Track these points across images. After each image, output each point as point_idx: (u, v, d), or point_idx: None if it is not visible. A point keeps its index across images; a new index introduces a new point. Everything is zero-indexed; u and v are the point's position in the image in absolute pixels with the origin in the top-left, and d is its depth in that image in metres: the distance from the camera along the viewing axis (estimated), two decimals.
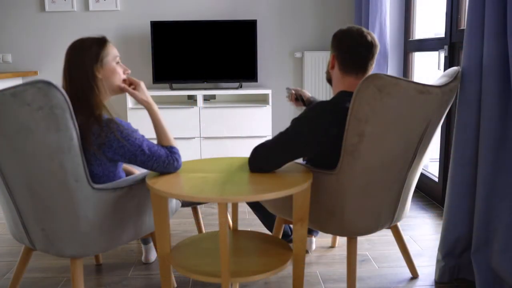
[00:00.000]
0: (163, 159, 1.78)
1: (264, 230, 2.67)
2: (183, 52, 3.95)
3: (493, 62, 1.80)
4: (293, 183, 1.69)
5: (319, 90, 4.07)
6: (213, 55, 3.97)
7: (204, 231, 2.58)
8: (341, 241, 2.58)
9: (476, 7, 1.88)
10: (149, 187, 1.70)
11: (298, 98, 2.41)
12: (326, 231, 1.92)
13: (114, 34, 4.11)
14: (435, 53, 3.13)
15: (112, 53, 1.82)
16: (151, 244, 2.36)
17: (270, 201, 2.06)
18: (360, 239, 2.61)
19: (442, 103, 1.76)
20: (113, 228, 1.81)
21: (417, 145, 1.80)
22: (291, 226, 2.39)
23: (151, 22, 3.90)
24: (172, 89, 4.01)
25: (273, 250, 1.84)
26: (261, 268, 1.70)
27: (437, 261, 2.14)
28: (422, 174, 3.43)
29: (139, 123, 3.74)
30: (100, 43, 1.80)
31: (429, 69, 3.59)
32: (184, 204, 2.26)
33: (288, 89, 2.44)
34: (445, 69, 3.00)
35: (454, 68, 1.95)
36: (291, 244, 2.31)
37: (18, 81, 3.96)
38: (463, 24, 2.85)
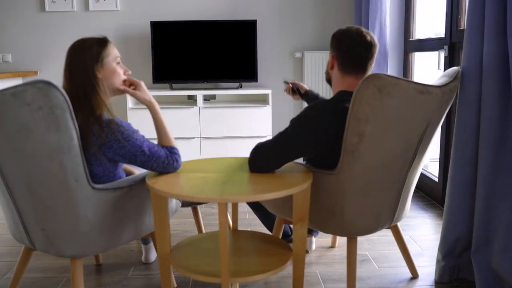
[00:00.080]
0: (163, 159, 1.78)
1: (264, 230, 2.67)
2: (183, 52, 3.95)
3: (493, 62, 1.80)
4: (293, 183, 1.69)
5: (319, 90, 4.07)
6: (213, 55, 3.97)
7: (204, 231, 2.58)
8: (341, 241, 2.58)
9: (476, 7, 1.88)
10: (149, 187, 1.70)
11: (295, 90, 2.41)
12: (326, 231, 1.92)
13: (114, 34, 4.11)
14: (435, 53, 3.13)
15: (113, 53, 1.82)
16: (151, 244, 2.36)
17: (270, 201, 2.06)
18: (360, 239, 2.61)
19: (442, 103, 1.76)
20: (113, 228, 1.81)
21: (417, 145, 1.80)
22: (291, 226, 2.39)
23: (151, 22, 3.90)
24: (172, 89, 4.01)
25: (273, 250, 1.84)
26: (261, 268, 1.70)
27: (437, 261, 2.14)
28: (422, 174, 3.43)
29: (139, 123, 3.74)
30: (101, 43, 1.80)
31: (429, 69, 3.59)
32: (184, 204, 2.26)
33: (285, 81, 2.45)
34: (445, 69, 3.00)
35: (454, 68, 1.95)
36: (291, 244, 2.31)
37: (18, 81, 3.96)
38: (463, 24, 2.85)
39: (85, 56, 1.76)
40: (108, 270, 2.29)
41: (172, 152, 1.82)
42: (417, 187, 3.49)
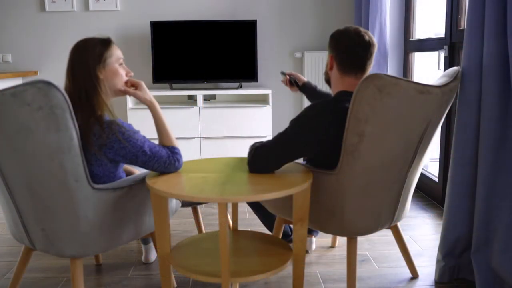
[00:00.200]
0: (164, 159, 1.78)
1: (264, 230, 2.67)
2: (183, 52, 3.95)
3: (493, 62, 1.80)
4: (293, 183, 1.69)
5: None
6: (213, 55, 3.97)
7: (204, 231, 2.58)
8: (341, 241, 2.58)
9: (476, 7, 1.88)
10: (149, 187, 1.70)
11: (292, 82, 2.41)
12: (326, 231, 1.92)
13: (114, 34, 4.11)
14: (435, 53, 3.13)
15: (116, 54, 1.82)
16: (151, 244, 2.36)
17: (270, 201, 2.06)
18: (360, 239, 2.61)
19: (442, 103, 1.76)
20: (113, 228, 1.81)
21: (417, 145, 1.80)
22: (291, 226, 2.39)
23: (151, 22, 3.90)
24: (172, 89, 4.01)
25: (273, 250, 1.84)
26: (261, 268, 1.70)
27: (437, 261, 2.14)
28: (422, 174, 3.43)
29: (139, 123, 3.74)
30: (104, 44, 1.80)
31: (429, 69, 3.59)
32: (184, 204, 2.26)
33: (282, 73, 2.44)
34: (445, 69, 3.00)
35: (454, 68, 1.95)
36: (291, 244, 2.31)
37: (18, 81, 3.96)
38: (463, 24, 2.85)
39: (88, 57, 1.76)
40: (108, 270, 2.29)
41: (173, 152, 1.82)
42: (417, 187, 3.49)
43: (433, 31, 3.49)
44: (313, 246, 2.46)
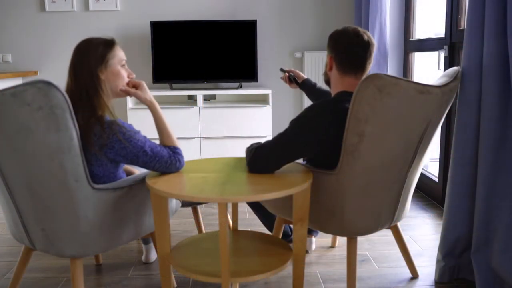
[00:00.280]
0: (166, 159, 1.78)
1: (264, 230, 2.67)
2: (183, 52, 3.95)
3: (493, 62, 1.80)
4: (293, 183, 1.69)
5: None
6: (213, 55, 3.97)
7: (204, 231, 2.58)
8: (341, 241, 2.58)
9: (476, 7, 1.88)
10: (149, 187, 1.70)
11: (291, 79, 2.41)
12: (326, 231, 1.92)
13: (114, 34, 4.10)
14: (435, 53, 3.13)
15: (118, 56, 1.82)
16: (152, 244, 2.36)
17: (270, 201, 2.06)
18: (360, 239, 2.61)
19: (442, 103, 1.76)
20: (113, 228, 1.81)
21: (417, 145, 1.80)
22: (291, 226, 2.39)
23: (151, 22, 3.90)
24: (172, 89, 4.01)
25: (273, 250, 1.84)
26: (261, 268, 1.70)
27: (437, 261, 2.14)
28: (422, 174, 3.43)
29: (140, 123, 3.74)
30: (107, 44, 1.80)
31: (429, 69, 3.59)
32: (184, 204, 2.26)
33: (282, 69, 2.44)
34: (445, 69, 3.00)
35: (454, 68, 1.95)
36: (291, 244, 2.31)
37: (18, 81, 3.96)
38: (463, 24, 2.85)
39: (90, 57, 1.76)
40: (108, 270, 2.29)
41: (175, 152, 1.82)
42: (417, 187, 3.49)
43: (433, 31, 3.49)
44: (313, 246, 2.46)
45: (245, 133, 3.87)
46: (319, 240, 2.58)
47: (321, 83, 2.22)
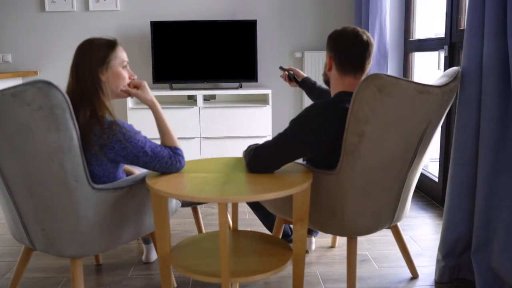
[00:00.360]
0: (166, 159, 1.78)
1: (264, 230, 2.67)
2: (183, 52, 3.95)
3: (493, 62, 1.80)
4: (293, 183, 1.69)
5: None
6: (213, 55, 3.97)
7: (204, 231, 2.58)
8: (341, 241, 2.58)
9: (476, 7, 1.88)
10: (149, 187, 1.70)
11: (291, 77, 2.41)
12: (326, 231, 1.92)
13: (114, 34, 4.10)
14: (435, 53, 3.13)
15: (120, 57, 1.81)
16: (152, 243, 2.36)
17: (270, 201, 2.06)
18: (360, 239, 2.61)
19: (442, 103, 1.76)
20: (113, 228, 1.81)
21: (417, 145, 1.80)
22: (291, 226, 2.39)
23: (151, 22, 3.90)
24: (172, 89, 4.01)
25: (273, 250, 1.84)
26: (261, 268, 1.70)
27: (437, 261, 2.14)
28: (422, 174, 3.43)
29: (140, 123, 3.74)
30: (109, 46, 1.79)
31: (429, 69, 3.59)
32: (184, 204, 2.26)
33: (281, 68, 2.44)
34: (445, 69, 3.00)
35: (454, 68, 1.95)
36: (291, 244, 2.31)
37: (18, 81, 3.96)
38: (463, 24, 2.85)
39: (91, 58, 1.75)
40: (108, 270, 2.29)
41: (175, 152, 1.81)
42: (417, 187, 3.49)
43: (433, 31, 3.49)
44: (313, 246, 2.46)
45: (245, 133, 3.87)
46: (319, 240, 2.58)
47: (321, 82, 2.22)
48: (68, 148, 1.63)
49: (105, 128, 1.70)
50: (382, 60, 3.50)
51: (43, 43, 4.14)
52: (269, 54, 4.21)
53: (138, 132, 1.77)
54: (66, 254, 1.78)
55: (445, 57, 2.98)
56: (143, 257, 2.37)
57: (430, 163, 3.66)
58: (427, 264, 2.31)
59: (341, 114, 1.76)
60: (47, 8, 4.07)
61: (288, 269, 2.25)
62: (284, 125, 4.27)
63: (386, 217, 1.92)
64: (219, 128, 3.85)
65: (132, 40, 4.13)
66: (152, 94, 1.87)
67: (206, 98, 4.06)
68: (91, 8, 4.07)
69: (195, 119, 3.83)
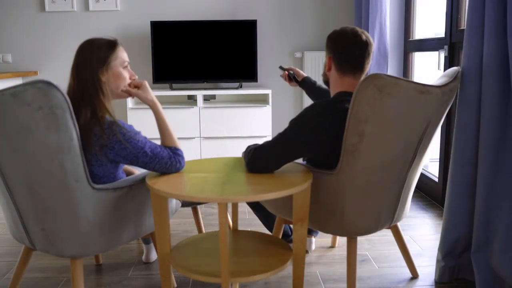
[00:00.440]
0: (166, 160, 1.78)
1: (264, 230, 2.67)
2: (183, 52, 3.95)
3: (493, 62, 1.80)
4: (293, 183, 1.69)
5: None
6: (213, 55, 3.97)
7: (204, 231, 2.58)
8: (341, 241, 2.58)
9: (476, 7, 1.88)
10: (149, 187, 1.70)
11: (291, 77, 2.41)
12: (326, 231, 1.92)
13: (114, 34, 4.10)
14: (435, 53, 3.13)
15: (121, 57, 1.81)
16: (152, 243, 2.36)
17: (270, 201, 2.06)
18: (360, 239, 2.61)
19: (442, 103, 1.76)
20: (113, 228, 1.81)
21: (417, 145, 1.80)
22: (291, 226, 2.39)
23: (151, 22, 3.90)
24: (172, 89, 4.01)
25: (273, 250, 1.84)
26: (261, 268, 1.70)
27: (437, 261, 2.14)
28: (422, 174, 3.43)
29: (140, 123, 3.74)
30: (110, 46, 1.79)
31: (429, 69, 3.59)
32: (184, 204, 2.26)
33: (281, 67, 2.44)
34: (445, 69, 3.00)
35: (454, 68, 1.95)
36: (291, 244, 2.31)
37: (18, 81, 3.96)
38: (463, 24, 2.85)
39: (92, 59, 1.75)
40: (108, 270, 2.29)
41: (175, 153, 1.81)
42: (417, 187, 3.49)
43: (433, 31, 3.49)
44: (313, 246, 2.46)
45: (245, 133, 3.87)
46: (319, 240, 2.58)
47: (321, 82, 2.22)
48: (68, 148, 1.63)
49: (105, 128, 1.70)
50: (382, 60, 3.50)
51: (43, 43, 4.14)
52: (269, 54, 4.21)
53: (138, 133, 1.77)
54: (66, 254, 1.78)
55: (445, 57, 2.98)
56: (143, 257, 2.37)
57: (430, 163, 3.66)
58: (427, 264, 2.31)
59: (341, 114, 1.76)
60: (47, 8, 4.07)
61: (288, 269, 2.25)
62: (284, 125, 4.27)
63: (386, 217, 1.92)
64: (219, 128, 3.85)
65: (132, 40, 4.13)
66: (153, 94, 1.87)
67: (206, 98, 4.06)
68: (91, 8, 4.07)
69: (195, 119, 3.83)
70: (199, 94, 3.84)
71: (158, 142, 1.86)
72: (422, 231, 2.73)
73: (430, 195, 3.33)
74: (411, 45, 3.62)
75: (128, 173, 2.12)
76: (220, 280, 1.62)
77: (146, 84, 1.86)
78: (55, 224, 1.73)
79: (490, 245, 1.92)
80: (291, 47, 4.21)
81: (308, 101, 4.14)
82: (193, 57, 3.96)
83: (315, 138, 1.77)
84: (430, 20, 3.59)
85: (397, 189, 1.88)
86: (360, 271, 2.25)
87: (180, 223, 2.90)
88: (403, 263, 2.32)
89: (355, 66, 1.85)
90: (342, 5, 4.16)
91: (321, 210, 1.87)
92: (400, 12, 3.70)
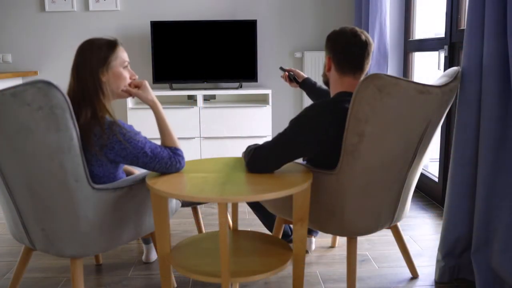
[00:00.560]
0: (166, 160, 1.78)
1: (264, 230, 2.67)
2: (183, 52, 3.95)
3: (493, 62, 1.80)
4: (293, 183, 1.69)
5: None
6: (213, 55, 3.97)
7: (204, 231, 2.58)
8: (341, 241, 2.58)
9: (476, 7, 1.88)
10: (149, 187, 1.70)
11: (291, 78, 2.41)
12: (326, 231, 1.92)
13: (114, 34, 4.10)
14: (435, 53, 3.13)
15: (121, 57, 1.81)
16: (152, 243, 2.36)
17: (270, 201, 2.06)
18: (360, 239, 2.61)
19: (442, 103, 1.76)
20: (113, 228, 1.81)
21: (417, 145, 1.80)
22: (291, 226, 2.39)
23: (151, 22, 3.90)
24: (172, 89, 4.01)
25: (273, 250, 1.84)
26: (261, 268, 1.70)
27: (437, 261, 2.14)
28: (422, 174, 3.43)
29: (140, 123, 3.74)
30: (110, 46, 1.79)
31: (429, 69, 3.59)
32: (184, 204, 2.26)
33: (282, 68, 2.44)
34: (445, 69, 3.00)
35: (454, 68, 1.95)
36: (291, 244, 2.31)
37: (18, 81, 3.96)
38: (463, 24, 2.85)
39: (92, 59, 1.75)
40: (108, 270, 2.29)
41: (175, 153, 1.81)
42: (417, 187, 3.49)
43: (433, 31, 3.49)
44: (313, 246, 2.47)
45: (245, 133, 3.87)
46: (319, 240, 2.58)
47: (321, 83, 2.22)
48: (68, 148, 1.63)
49: (105, 128, 1.70)
50: (382, 60, 3.50)
51: (43, 43, 4.14)
52: (269, 54, 4.21)
53: (138, 133, 1.77)
54: (66, 254, 1.78)
55: (445, 57, 2.98)
56: (143, 257, 2.37)
57: (430, 163, 3.66)
58: (427, 264, 2.31)
59: (341, 114, 1.76)
60: (47, 8, 4.07)
61: (288, 269, 2.25)
62: (284, 125, 4.27)
63: (386, 217, 1.92)
64: (219, 128, 3.85)
65: (132, 40, 4.13)
66: (153, 94, 1.87)
67: (206, 98, 4.06)
68: (91, 8, 4.07)
69: (195, 119, 3.83)
70: (199, 94, 3.84)
71: (158, 142, 1.86)
72: (422, 231, 2.73)
73: (430, 195, 3.33)
74: (411, 45, 3.62)
75: (128, 173, 2.12)
76: (220, 280, 1.62)
77: (147, 84, 1.86)
78: (55, 224, 1.73)
79: (490, 245, 1.92)
80: (291, 47, 4.21)
81: (308, 101, 4.14)
82: (193, 57, 3.96)
83: (315, 138, 1.77)
84: (430, 20, 3.59)
85: (397, 189, 1.88)
86: (360, 271, 2.25)
87: (180, 223, 2.90)
88: (403, 263, 2.32)
89: (355, 66, 1.85)
90: (342, 5, 4.16)
91: (321, 210, 1.87)
92: (400, 12, 3.70)
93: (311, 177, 1.77)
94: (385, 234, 2.67)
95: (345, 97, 1.82)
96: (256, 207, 2.34)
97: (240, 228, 2.81)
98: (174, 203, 2.10)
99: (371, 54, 1.88)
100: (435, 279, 2.15)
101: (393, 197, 1.89)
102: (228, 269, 1.60)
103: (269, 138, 3.85)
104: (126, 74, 1.83)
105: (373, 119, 1.67)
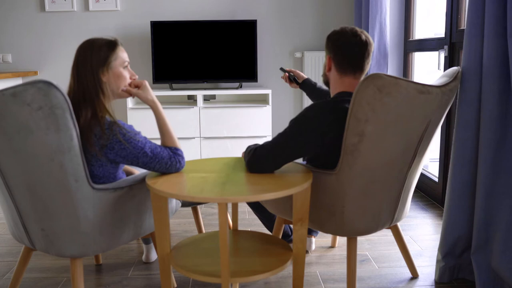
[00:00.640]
0: (166, 160, 1.78)
1: (264, 230, 2.67)
2: (183, 52, 3.95)
3: (493, 62, 1.80)
4: (293, 183, 1.69)
5: None
6: (213, 55, 3.97)
7: (204, 231, 2.58)
8: (341, 241, 2.58)
9: (476, 7, 1.88)
10: (149, 187, 1.70)
11: (291, 79, 2.41)
12: (326, 231, 1.92)
13: (114, 34, 4.10)
14: (435, 53, 3.13)
15: (121, 57, 1.81)
16: (152, 243, 2.36)
17: (270, 201, 2.06)
18: (360, 239, 2.61)
19: (442, 103, 1.76)
20: (113, 228, 1.81)
21: (417, 145, 1.80)
22: (291, 226, 2.39)
23: (151, 22, 3.90)
24: (172, 89, 4.01)
25: (273, 250, 1.84)
26: (261, 268, 1.70)
27: (437, 261, 2.14)
28: (422, 174, 3.43)
29: (140, 123, 3.74)
30: (110, 46, 1.79)
31: (429, 69, 3.59)
32: (184, 204, 2.26)
33: (282, 69, 2.44)
34: (445, 69, 3.00)
35: (454, 68, 1.95)
36: (291, 244, 2.31)
37: (18, 81, 3.96)
38: (463, 24, 2.85)
39: (92, 59, 1.75)
40: (108, 270, 2.29)
41: (175, 153, 1.81)
42: (417, 187, 3.49)
43: (433, 31, 3.49)
44: (313, 246, 2.47)
45: (245, 133, 3.87)
46: (319, 240, 2.58)
47: (321, 83, 2.23)
48: (68, 148, 1.63)
49: (105, 128, 1.70)
50: (382, 60, 3.50)
51: (43, 43, 4.14)
52: (269, 54, 4.21)
53: (138, 133, 1.77)
54: (66, 254, 1.78)
55: (445, 57, 2.98)
56: (143, 257, 2.37)
57: (430, 163, 3.66)
58: (427, 264, 2.31)
59: (341, 114, 1.76)
60: (47, 8, 4.07)
61: (288, 269, 2.25)
62: (284, 125, 4.27)
63: (386, 217, 1.92)
64: (219, 128, 3.85)
65: (132, 40, 4.13)
66: (153, 93, 1.86)
67: (206, 98, 4.06)
68: (91, 8, 4.07)
69: (195, 119, 3.83)
70: (199, 94, 3.84)
71: (158, 142, 1.86)
72: (422, 231, 2.73)
73: (430, 195, 3.33)
74: (411, 45, 3.62)
75: (128, 173, 2.12)
76: (220, 280, 1.62)
77: (147, 83, 1.86)
78: (55, 224, 1.73)
79: (490, 245, 1.92)
80: (291, 47, 4.21)
81: (308, 101, 4.14)
82: (193, 57, 3.96)
83: (315, 138, 1.77)
84: (430, 20, 3.59)
85: (397, 189, 1.88)
86: (360, 271, 2.25)
87: (180, 223, 2.90)
88: (403, 263, 2.32)
89: (355, 66, 1.85)
90: (342, 5, 4.16)
91: (321, 210, 1.87)
92: (400, 12, 3.70)
93: (311, 177, 1.77)
94: (385, 234, 2.67)
95: (345, 97, 1.82)
96: (256, 207, 2.34)
97: (240, 228, 2.81)
98: (174, 203, 2.10)
99: (371, 54, 1.88)
100: (435, 279, 2.15)
101: (393, 197, 1.89)
102: (228, 269, 1.60)
103: (269, 138, 3.85)
104: (126, 74, 1.83)
105: (373, 119, 1.67)
